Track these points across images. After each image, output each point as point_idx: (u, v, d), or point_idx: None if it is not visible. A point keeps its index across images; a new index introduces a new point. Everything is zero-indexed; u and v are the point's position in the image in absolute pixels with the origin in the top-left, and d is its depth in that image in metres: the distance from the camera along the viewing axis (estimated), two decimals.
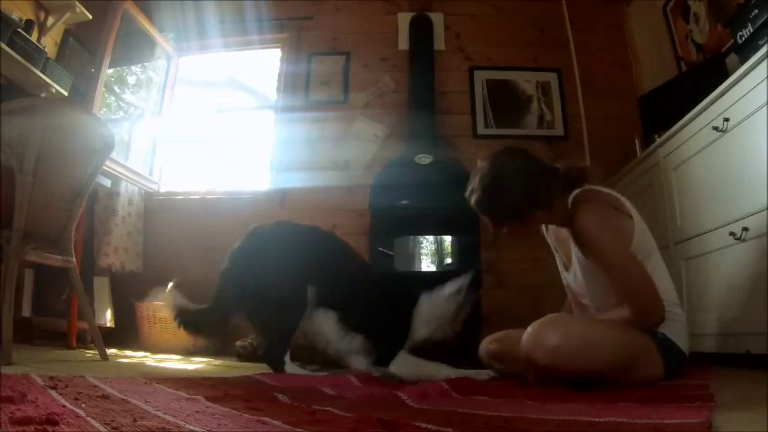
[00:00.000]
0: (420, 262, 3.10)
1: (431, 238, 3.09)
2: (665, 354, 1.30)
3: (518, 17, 3.45)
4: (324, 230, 1.88)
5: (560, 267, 1.59)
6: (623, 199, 1.44)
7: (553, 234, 1.57)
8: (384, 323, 1.63)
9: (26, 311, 2.48)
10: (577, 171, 1.45)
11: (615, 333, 1.28)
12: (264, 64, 3.69)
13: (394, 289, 1.75)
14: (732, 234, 1.68)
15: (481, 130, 3.25)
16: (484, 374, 1.46)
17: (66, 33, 3.02)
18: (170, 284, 2.72)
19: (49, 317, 2.50)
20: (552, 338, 1.19)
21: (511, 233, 1.41)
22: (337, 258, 1.76)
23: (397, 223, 2.84)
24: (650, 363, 1.29)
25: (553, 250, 1.62)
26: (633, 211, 1.40)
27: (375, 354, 1.63)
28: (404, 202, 2.80)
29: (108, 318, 2.86)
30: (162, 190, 3.38)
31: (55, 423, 0.67)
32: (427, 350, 1.63)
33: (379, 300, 1.67)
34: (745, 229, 1.63)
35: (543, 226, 1.61)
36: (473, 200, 1.39)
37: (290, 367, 1.58)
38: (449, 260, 3.04)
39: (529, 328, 1.25)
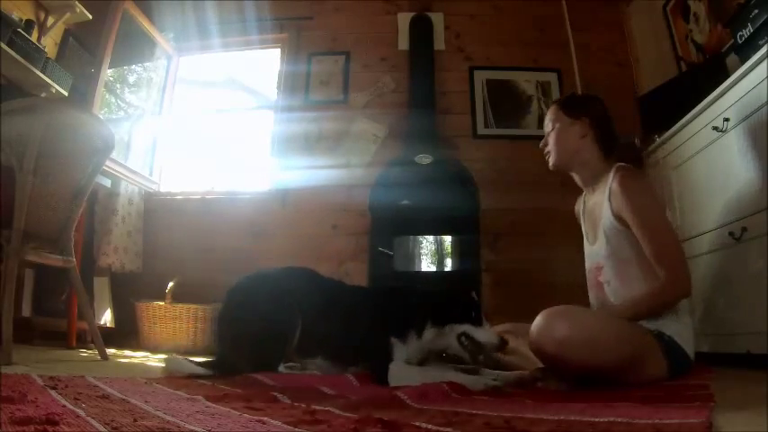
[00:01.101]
0: (420, 262, 3.10)
1: (431, 238, 3.08)
2: (670, 355, 1.31)
3: (518, 17, 3.45)
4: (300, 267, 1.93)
5: (585, 242, 1.66)
6: None
7: (586, 211, 1.65)
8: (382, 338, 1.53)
9: (26, 311, 2.48)
10: (632, 148, 1.70)
11: (622, 329, 1.30)
12: (264, 64, 3.69)
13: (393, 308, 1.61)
14: (731, 234, 1.68)
15: (481, 130, 3.25)
16: (480, 383, 1.42)
17: (67, 33, 3.02)
18: (170, 283, 2.74)
19: (49, 317, 2.50)
20: (561, 329, 1.22)
21: (555, 135, 1.60)
22: (323, 284, 1.82)
23: (397, 223, 2.84)
24: (654, 362, 1.30)
25: (581, 224, 1.70)
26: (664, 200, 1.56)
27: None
28: (404, 202, 2.80)
29: (108, 318, 2.86)
30: (162, 190, 3.38)
31: (55, 423, 0.67)
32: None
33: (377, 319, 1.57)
34: (745, 229, 1.63)
35: (577, 208, 1.73)
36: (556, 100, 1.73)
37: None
38: (449, 260, 3.04)
39: (538, 318, 1.27)
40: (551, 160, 1.63)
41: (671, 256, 1.36)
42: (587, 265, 1.62)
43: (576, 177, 1.66)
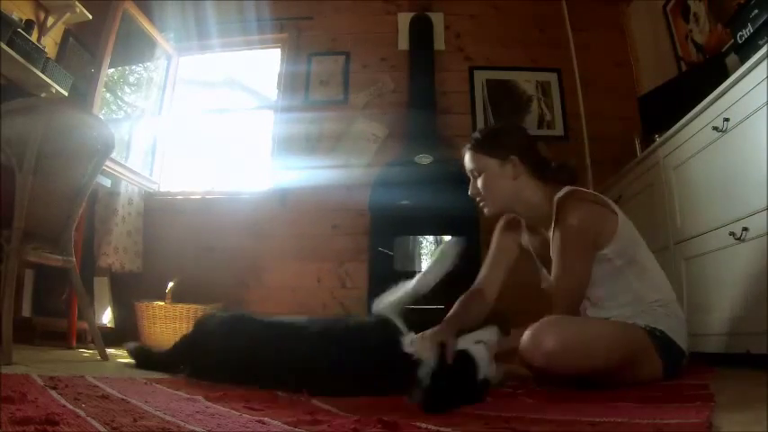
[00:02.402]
0: (420, 262, 3.10)
1: (431, 238, 3.08)
2: (664, 352, 1.30)
3: (518, 17, 3.45)
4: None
5: (544, 273, 1.56)
6: (607, 200, 1.47)
7: (539, 242, 1.54)
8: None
9: (26, 311, 2.48)
10: (567, 170, 1.50)
11: (612, 333, 1.28)
12: (264, 64, 3.69)
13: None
14: (732, 234, 1.68)
15: None
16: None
17: (67, 33, 3.02)
18: (170, 283, 2.74)
19: (49, 317, 2.50)
20: (549, 342, 1.19)
21: (484, 183, 1.46)
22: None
23: (396, 223, 2.84)
24: (649, 361, 1.29)
25: (537, 261, 1.59)
26: (616, 208, 1.44)
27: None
28: (404, 201, 2.80)
29: (108, 318, 2.86)
30: (162, 190, 3.38)
31: (55, 423, 0.67)
32: None
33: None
34: (745, 229, 1.63)
35: (525, 235, 1.60)
36: (468, 143, 1.50)
37: None
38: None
39: (526, 332, 1.24)
40: (488, 210, 1.49)
41: (563, 293, 1.34)
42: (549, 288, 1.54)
43: (520, 217, 1.55)
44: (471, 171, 1.50)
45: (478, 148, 1.48)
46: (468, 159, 1.50)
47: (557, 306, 1.33)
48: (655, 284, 1.42)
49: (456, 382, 1.10)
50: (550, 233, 1.42)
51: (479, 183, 1.47)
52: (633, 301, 1.38)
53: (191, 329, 1.68)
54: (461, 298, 1.54)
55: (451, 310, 1.48)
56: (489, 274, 1.61)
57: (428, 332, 1.27)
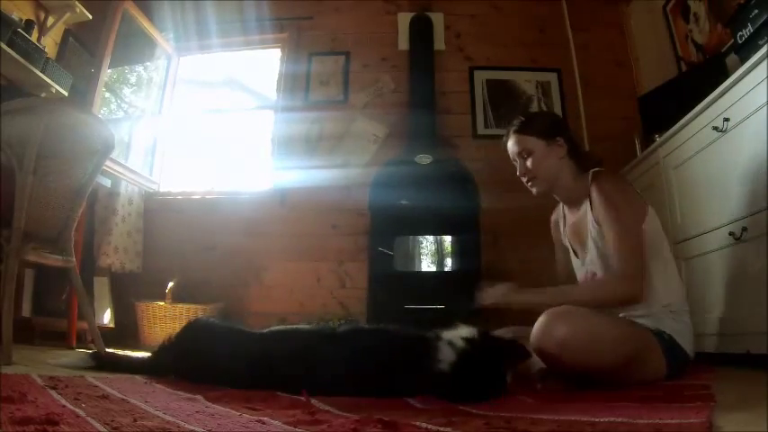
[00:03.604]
0: (420, 262, 3.10)
1: (431, 237, 3.08)
2: (670, 354, 1.31)
3: (518, 17, 3.45)
4: None
5: (572, 258, 1.65)
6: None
7: (569, 227, 1.63)
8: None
9: (26, 311, 2.48)
10: (596, 156, 1.60)
11: (621, 329, 1.30)
12: (264, 64, 3.69)
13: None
14: (732, 234, 1.68)
15: (481, 130, 3.24)
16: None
17: (67, 33, 3.02)
18: (170, 283, 2.74)
19: (49, 317, 2.49)
20: (561, 330, 1.22)
21: (534, 162, 1.54)
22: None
23: (396, 223, 2.84)
24: (654, 361, 1.30)
25: (566, 244, 1.68)
26: (647, 202, 1.50)
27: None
28: (404, 201, 2.80)
29: (108, 318, 2.86)
30: (162, 190, 3.37)
31: (55, 423, 0.67)
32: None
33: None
34: (745, 229, 1.63)
35: (555, 217, 1.74)
36: (513, 127, 1.59)
37: None
38: (449, 260, 3.04)
39: (540, 319, 1.27)
40: (538, 188, 1.57)
41: (627, 252, 1.35)
42: (579, 276, 1.62)
43: (558, 197, 1.65)
44: (520, 153, 1.57)
45: (527, 129, 1.56)
46: (514, 142, 1.58)
47: (623, 268, 1.33)
48: (671, 287, 1.44)
49: (485, 370, 1.11)
50: (581, 212, 1.54)
51: (529, 163, 1.55)
52: (646, 303, 1.39)
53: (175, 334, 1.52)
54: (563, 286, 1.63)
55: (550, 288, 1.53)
56: (560, 259, 1.76)
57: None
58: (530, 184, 1.59)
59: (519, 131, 1.57)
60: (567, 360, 1.23)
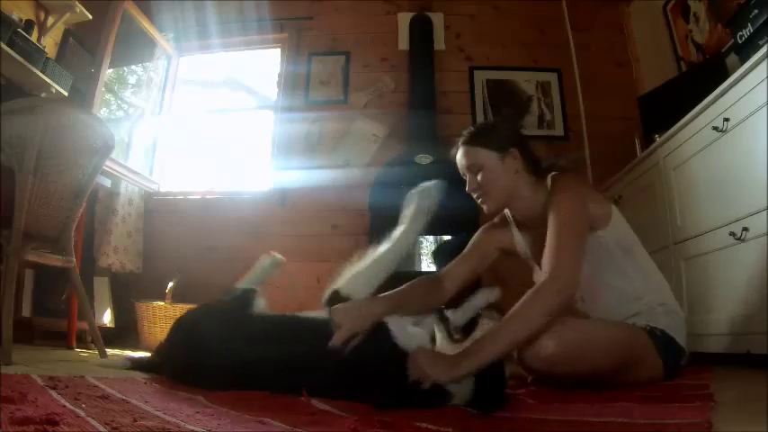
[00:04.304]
0: (420, 262, 3.10)
1: (430, 238, 3.08)
2: (664, 351, 1.28)
3: (518, 17, 3.45)
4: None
5: (535, 275, 1.50)
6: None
7: (534, 246, 1.48)
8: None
9: (26, 311, 2.48)
10: (558, 167, 1.46)
11: (612, 335, 1.26)
12: (264, 64, 3.69)
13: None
14: (732, 234, 1.68)
15: None
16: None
17: (67, 33, 3.02)
18: (170, 283, 2.74)
19: (49, 317, 2.50)
20: (548, 347, 1.16)
21: (485, 178, 1.39)
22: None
23: (396, 223, 2.83)
24: (649, 362, 1.28)
25: (528, 255, 1.54)
26: (611, 203, 1.42)
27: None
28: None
29: (108, 318, 2.86)
30: (162, 190, 3.38)
31: (55, 423, 0.67)
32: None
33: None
34: (745, 229, 1.63)
35: (516, 235, 1.55)
36: (462, 138, 1.44)
37: None
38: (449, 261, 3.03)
39: None
40: (489, 206, 1.42)
41: (561, 250, 1.20)
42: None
43: (514, 213, 1.50)
44: (469, 167, 1.42)
45: (476, 141, 1.41)
46: (463, 155, 1.43)
47: (553, 265, 1.19)
48: (654, 283, 1.41)
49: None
50: (546, 220, 1.33)
51: (480, 178, 1.40)
52: (632, 299, 1.37)
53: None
54: (414, 280, 1.47)
55: (397, 289, 1.38)
56: (455, 267, 1.54)
57: (349, 303, 1.21)
58: (480, 200, 1.43)
59: (468, 143, 1.42)
60: (558, 374, 1.20)
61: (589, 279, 1.34)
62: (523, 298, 1.16)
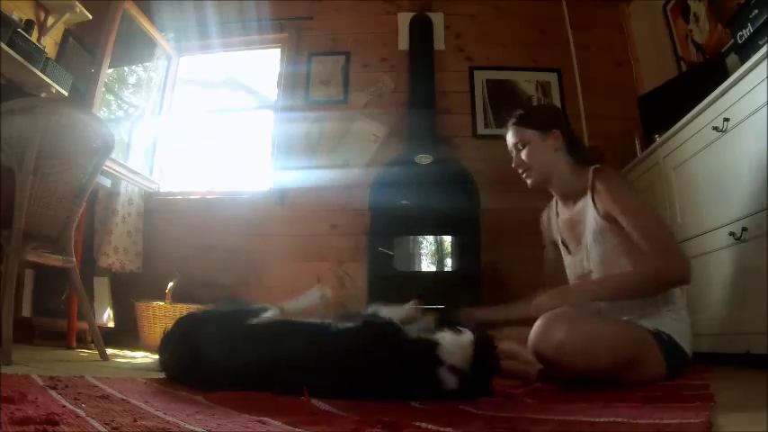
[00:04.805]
0: (420, 262, 3.10)
1: (431, 238, 3.08)
2: (669, 353, 1.31)
3: (518, 17, 3.45)
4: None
5: (564, 254, 1.65)
6: None
7: (563, 222, 1.63)
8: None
9: (26, 311, 2.48)
10: (597, 152, 1.63)
11: (619, 331, 1.30)
12: (264, 64, 3.69)
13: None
14: (732, 234, 1.68)
15: (481, 130, 3.24)
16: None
17: (67, 33, 3.02)
18: (170, 283, 2.74)
19: (49, 317, 2.50)
20: (559, 333, 1.22)
21: (529, 153, 1.57)
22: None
23: (396, 223, 2.83)
24: (653, 362, 1.30)
25: (557, 239, 1.68)
26: None
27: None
28: (404, 201, 2.80)
29: (108, 318, 2.86)
30: (162, 190, 3.37)
31: (55, 423, 0.67)
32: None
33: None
34: (745, 229, 1.63)
35: (546, 214, 1.75)
36: (512, 119, 1.62)
37: None
38: (448, 260, 3.04)
39: (537, 322, 1.27)
40: (531, 180, 1.60)
41: (662, 239, 1.36)
42: (571, 274, 1.62)
43: (554, 191, 1.65)
44: (515, 144, 1.60)
45: (523, 122, 1.60)
46: (512, 134, 1.61)
47: (664, 248, 1.34)
48: (671, 290, 1.44)
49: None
50: (578, 207, 1.54)
51: (523, 154, 1.58)
52: (643, 302, 1.39)
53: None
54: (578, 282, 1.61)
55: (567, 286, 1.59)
56: (549, 266, 1.80)
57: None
58: (524, 175, 1.61)
59: (516, 123, 1.61)
60: (566, 363, 1.23)
61: (614, 267, 1.45)
62: (637, 272, 1.37)
